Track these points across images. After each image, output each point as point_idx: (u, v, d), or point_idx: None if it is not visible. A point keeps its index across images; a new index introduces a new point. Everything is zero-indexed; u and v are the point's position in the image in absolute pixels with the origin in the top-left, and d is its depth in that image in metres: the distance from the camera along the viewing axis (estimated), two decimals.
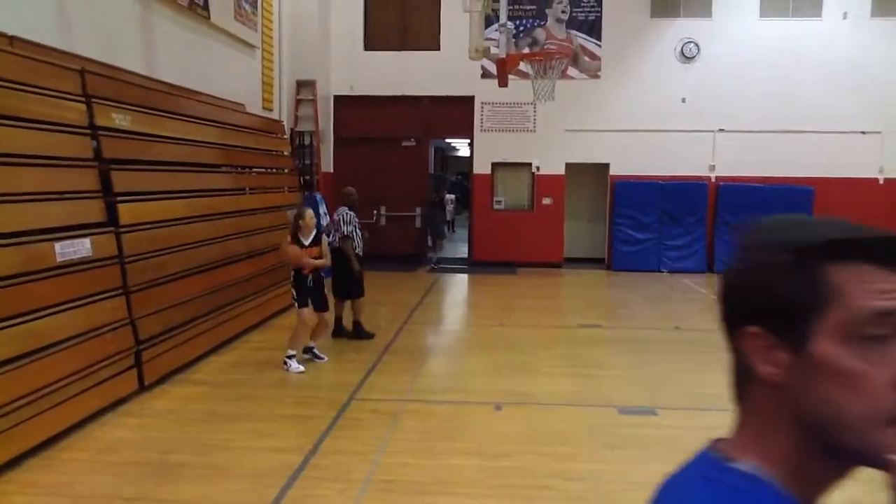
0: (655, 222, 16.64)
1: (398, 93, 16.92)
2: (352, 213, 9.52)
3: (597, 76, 16.87)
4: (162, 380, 7.51)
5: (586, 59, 16.88)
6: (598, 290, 14.78)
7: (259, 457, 5.55)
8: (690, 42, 16.62)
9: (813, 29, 16.39)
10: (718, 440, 0.99)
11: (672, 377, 7.97)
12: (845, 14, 16.27)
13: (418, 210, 17.44)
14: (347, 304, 9.66)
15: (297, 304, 8.23)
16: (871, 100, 16.23)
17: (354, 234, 9.46)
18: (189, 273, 8.36)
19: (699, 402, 7.11)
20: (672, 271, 16.38)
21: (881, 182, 16.42)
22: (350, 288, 9.53)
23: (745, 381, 0.96)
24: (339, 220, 9.47)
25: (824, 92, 16.30)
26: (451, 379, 8.01)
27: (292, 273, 8.22)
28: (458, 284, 15.27)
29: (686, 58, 16.69)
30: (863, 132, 16.32)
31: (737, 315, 0.96)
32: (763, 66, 16.40)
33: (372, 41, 17.22)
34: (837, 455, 0.90)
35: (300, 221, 8.17)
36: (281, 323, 10.37)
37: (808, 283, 0.88)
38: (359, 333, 9.59)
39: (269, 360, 8.29)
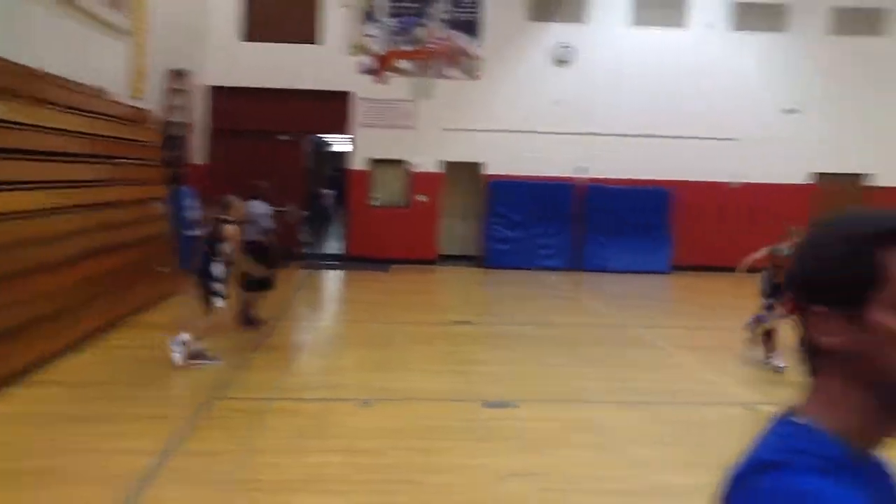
0: (528, 221, 17.11)
1: (276, 85, 16.59)
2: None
3: (476, 76, 17.17)
4: (10, 381, 7.09)
5: (466, 59, 17.14)
6: (471, 287, 15.08)
7: (116, 460, 5.35)
8: (566, 46, 17.18)
9: (679, 38, 17.29)
10: (792, 405, 1.15)
11: (537, 371, 8.26)
12: (707, 25, 17.25)
13: (294, 205, 17.18)
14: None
15: (221, 298, 7.93)
16: (729, 108, 17.28)
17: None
18: (47, 267, 7.93)
19: (561, 394, 7.44)
20: (542, 269, 16.87)
21: (736, 186, 17.45)
22: (265, 281, 9.56)
23: (812, 353, 1.13)
24: (263, 215, 9.42)
25: (689, 99, 17.19)
26: (321, 376, 8.00)
27: (223, 264, 7.92)
28: (333, 281, 15.22)
29: (561, 62, 17.23)
30: (722, 139, 17.35)
31: (804, 297, 1.13)
32: (634, 72, 17.14)
33: (250, 32, 16.83)
34: (892, 409, 1.07)
35: (229, 210, 8.00)
36: (145, 320, 9.99)
37: (863, 267, 1.06)
38: (253, 323, 9.63)
39: (132, 358, 8.00)
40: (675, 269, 16.77)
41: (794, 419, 1.10)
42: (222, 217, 8.01)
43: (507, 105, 17.14)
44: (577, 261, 17.20)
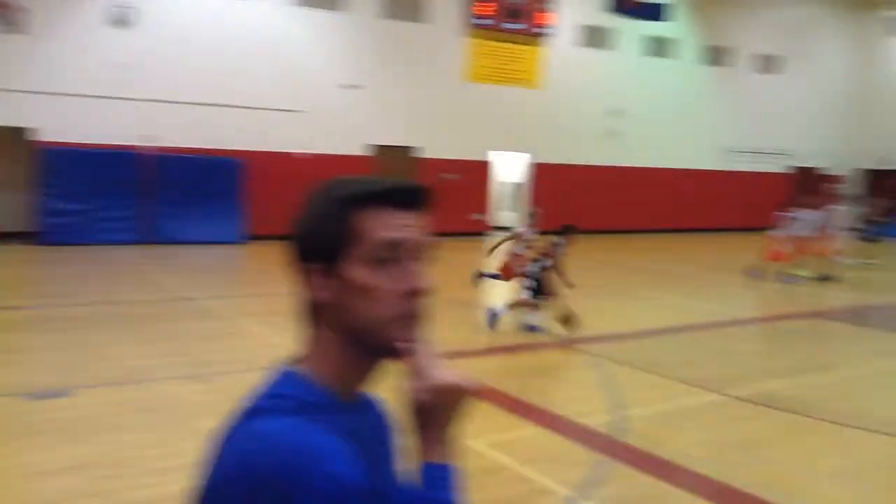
0: (90, 193, 15.83)
1: None
2: None
3: (19, 31, 15.27)
4: None
5: (5, 10, 15.14)
6: (21, 267, 13.54)
7: None
8: (128, 7, 16.14)
9: (246, 11, 17.40)
10: (290, 357, 1.26)
11: (95, 354, 7.84)
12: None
13: None
14: None
15: None
16: (296, 81, 17.98)
17: None
18: None
19: (119, 376, 7.16)
20: (109, 244, 15.82)
21: (307, 156, 18.19)
22: None
23: (308, 307, 1.25)
24: None
25: (258, 71, 17.49)
26: None
27: None
28: None
29: (121, 22, 16.15)
30: (289, 110, 17.93)
31: (300, 255, 1.24)
32: (204, 40, 16.84)
33: None
34: (369, 352, 1.23)
35: None
36: None
37: (341, 226, 1.20)
38: None
39: None
40: (250, 239, 17.03)
41: (292, 369, 1.25)
42: None
43: (61, 66, 15.63)
44: (148, 234, 16.48)
